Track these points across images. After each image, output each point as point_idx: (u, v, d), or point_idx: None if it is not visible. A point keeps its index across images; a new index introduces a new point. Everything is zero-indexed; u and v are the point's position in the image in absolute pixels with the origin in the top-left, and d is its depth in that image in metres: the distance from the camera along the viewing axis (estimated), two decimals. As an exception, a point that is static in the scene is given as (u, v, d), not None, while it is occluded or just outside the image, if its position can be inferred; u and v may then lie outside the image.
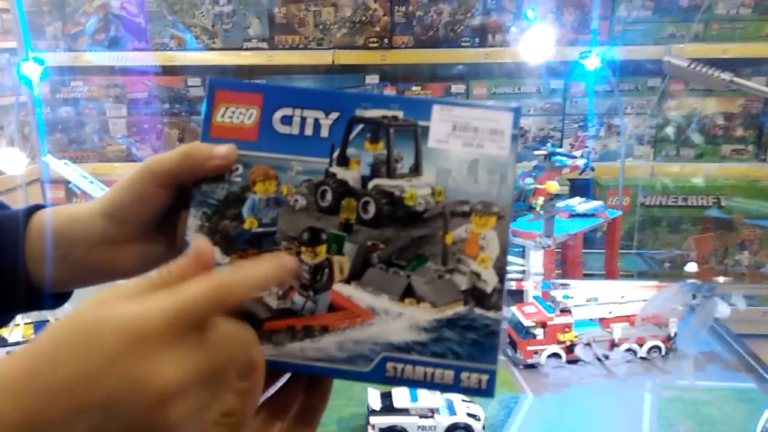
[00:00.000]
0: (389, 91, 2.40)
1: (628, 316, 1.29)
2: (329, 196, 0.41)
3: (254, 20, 2.33)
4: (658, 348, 1.27)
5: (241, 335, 0.34)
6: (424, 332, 0.39)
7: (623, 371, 1.24)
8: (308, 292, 0.40)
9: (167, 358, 0.30)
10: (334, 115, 0.41)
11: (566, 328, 1.24)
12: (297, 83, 2.38)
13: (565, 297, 1.26)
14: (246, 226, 0.41)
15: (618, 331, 1.27)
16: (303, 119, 0.41)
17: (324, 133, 0.41)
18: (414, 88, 2.39)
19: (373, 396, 1.02)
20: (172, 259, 0.34)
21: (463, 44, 2.33)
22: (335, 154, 0.41)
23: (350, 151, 0.41)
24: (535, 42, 2.01)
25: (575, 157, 1.52)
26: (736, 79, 1.07)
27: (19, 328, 1.15)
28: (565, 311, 1.25)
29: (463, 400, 1.03)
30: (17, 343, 1.12)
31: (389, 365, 0.39)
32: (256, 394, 0.35)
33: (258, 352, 0.35)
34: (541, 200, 1.41)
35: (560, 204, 1.56)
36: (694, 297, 1.28)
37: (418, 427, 0.99)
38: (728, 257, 2.40)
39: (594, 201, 1.64)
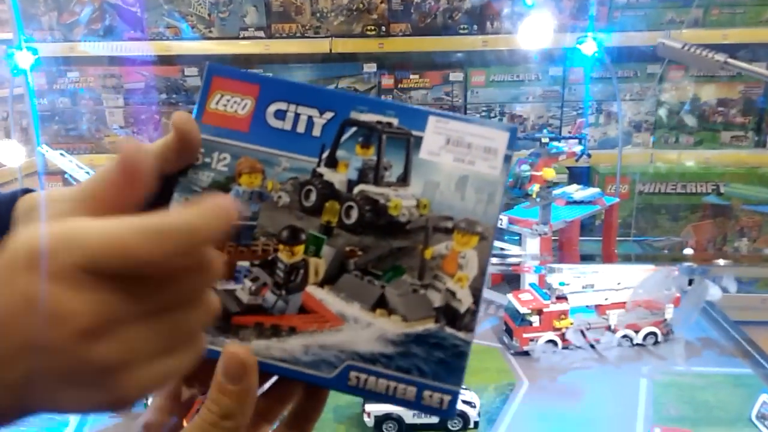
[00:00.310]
0: (387, 79, 2.38)
1: (625, 303, 1.29)
2: (313, 197, 0.40)
3: (251, 9, 2.32)
4: (654, 334, 1.27)
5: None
6: (392, 345, 0.38)
7: (619, 357, 1.25)
8: (281, 290, 0.39)
9: (85, 292, 0.27)
10: (329, 115, 0.41)
11: (562, 314, 1.24)
12: (294, 72, 2.37)
13: (561, 284, 1.26)
14: None
15: (614, 317, 1.27)
16: (297, 115, 0.41)
17: (316, 131, 0.41)
18: (412, 76, 2.38)
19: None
20: None
21: (461, 31, 2.31)
22: (325, 155, 0.41)
23: (340, 153, 0.41)
24: (533, 28, 2.00)
25: (567, 139, 1.51)
26: (730, 60, 1.06)
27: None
28: (561, 298, 1.25)
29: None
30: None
31: (353, 374, 0.38)
32: (252, 396, 0.34)
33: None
34: (537, 187, 1.40)
35: (557, 191, 1.56)
36: (690, 282, 1.27)
37: (413, 414, 1.00)
38: (727, 244, 2.40)
39: (591, 188, 1.64)
